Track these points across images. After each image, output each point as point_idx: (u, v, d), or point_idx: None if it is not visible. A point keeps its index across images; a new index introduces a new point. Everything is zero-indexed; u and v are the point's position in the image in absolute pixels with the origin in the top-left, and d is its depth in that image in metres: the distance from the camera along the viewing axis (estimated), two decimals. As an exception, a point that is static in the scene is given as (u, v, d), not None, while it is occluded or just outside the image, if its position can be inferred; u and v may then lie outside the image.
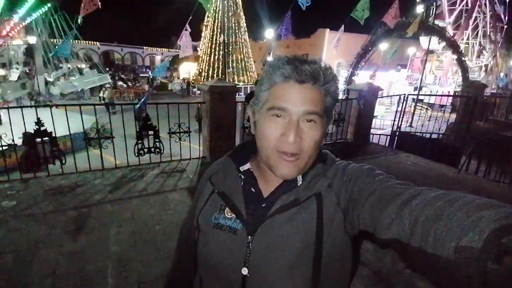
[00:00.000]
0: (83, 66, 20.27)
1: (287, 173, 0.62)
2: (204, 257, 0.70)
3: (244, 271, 0.63)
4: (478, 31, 27.76)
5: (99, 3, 4.39)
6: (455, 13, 27.06)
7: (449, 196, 0.45)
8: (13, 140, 3.67)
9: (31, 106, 4.33)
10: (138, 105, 4.27)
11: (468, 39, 27.71)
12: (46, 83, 16.03)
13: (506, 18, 28.95)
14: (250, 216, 0.66)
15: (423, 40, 18.95)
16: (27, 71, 17.67)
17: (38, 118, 3.67)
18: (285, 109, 0.60)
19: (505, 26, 28.82)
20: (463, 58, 16.83)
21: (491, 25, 27.71)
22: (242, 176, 0.72)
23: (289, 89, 0.60)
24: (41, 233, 2.68)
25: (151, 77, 28.28)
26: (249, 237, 0.64)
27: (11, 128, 3.62)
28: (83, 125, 4.05)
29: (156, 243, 2.65)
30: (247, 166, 0.73)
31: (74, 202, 3.25)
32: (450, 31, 24.22)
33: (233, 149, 0.78)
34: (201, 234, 0.71)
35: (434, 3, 20.98)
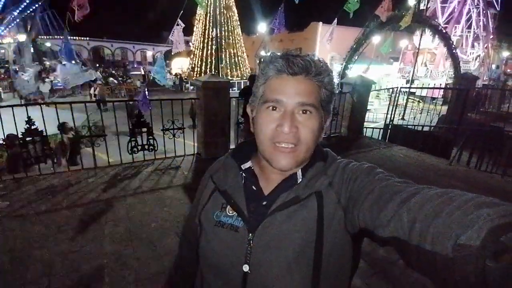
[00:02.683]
0: (73, 62, 19.89)
1: (285, 164, 0.63)
2: (206, 254, 0.71)
3: (245, 268, 0.64)
4: (470, 23, 27.94)
5: (88, 7, 4.32)
6: (448, 10, 27.07)
7: (448, 194, 0.45)
8: (3, 140, 3.61)
9: (21, 105, 4.26)
10: (140, 97, 4.21)
11: (462, 31, 27.85)
12: (39, 79, 15.73)
13: (498, 8, 29.20)
14: (251, 214, 0.67)
15: (417, 38, 18.99)
16: (17, 69, 17.32)
17: (28, 117, 3.61)
18: (279, 101, 0.62)
19: (496, 17, 29.05)
20: (454, 51, 16.95)
21: (484, 15, 27.89)
22: (244, 174, 0.72)
23: (282, 81, 0.62)
24: (35, 233, 2.66)
25: (143, 73, 27.92)
26: (250, 234, 0.64)
27: (2, 128, 3.55)
28: (74, 123, 3.99)
29: (152, 241, 2.65)
30: (248, 164, 0.74)
31: (68, 201, 3.23)
32: (440, 20, 24.33)
33: (234, 147, 0.79)
34: (202, 232, 0.72)
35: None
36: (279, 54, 0.64)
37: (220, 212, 0.70)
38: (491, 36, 29.00)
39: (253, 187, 0.70)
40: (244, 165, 0.74)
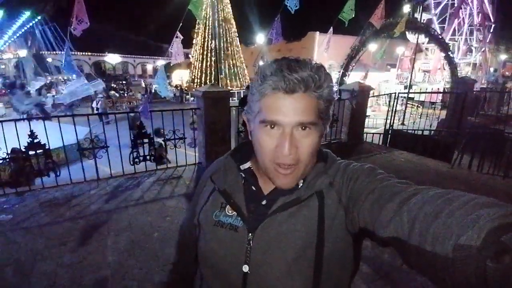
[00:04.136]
0: (74, 76, 20.16)
1: (285, 184, 0.63)
2: (205, 254, 0.70)
3: (245, 268, 0.63)
4: (465, 27, 28.25)
5: (88, 21, 4.42)
6: (441, 6, 27.47)
7: (448, 195, 0.45)
8: (7, 154, 3.65)
9: (23, 119, 4.31)
10: (141, 108, 4.29)
11: (457, 34, 28.14)
12: (39, 94, 15.91)
13: (494, 12, 29.52)
14: (251, 214, 0.66)
15: (411, 37, 19.26)
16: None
17: (31, 131, 3.66)
18: (276, 122, 0.59)
19: (493, 24, 29.33)
20: (451, 55, 17.12)
21: (479, 20, 28.20)
22: (243, 175, 0.72)
23: (279, 100, 0.58)
24: (38, 245, 2.66)
25: (144, 86, 28.22)
26: (250, 234, 0.64)
27: (5, 142, 3.59)
28: (76, 136, 4.03)
29: (155, 251, 2.64)
30: (247, 165, 0.74)
31: (70, 213, 3.23)
32: (436, 27, 24.64)
33: (234, 148, 0.79)
34: (202, 232, 0.72)
35: (421, 3, 21.40)
36: (274, 65, 0.59)
37: (219, 212, 0.70)
38: (488, 40, 29.23)
39: (253, 187, 0.70)
40: (243, 166, 0.74)
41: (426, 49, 26.16)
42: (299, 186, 0.66)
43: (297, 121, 0.58)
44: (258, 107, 0.62)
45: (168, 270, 2.34)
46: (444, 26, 27.62)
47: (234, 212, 0.68)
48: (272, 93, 0.59)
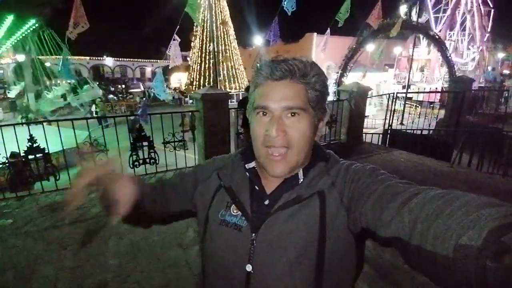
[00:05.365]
0: (72, 81, 20.17)
1: (279, 172, 0.64)
2: (210, 253, 0.72)
3: (248, 267, 0.64)
4: (464, 26, 28.31)
5: (87, 23, 4.43)
6: (442, 21, 27.54)
7: (449, 195, 0.45)
8: (6, 159, 3.64)
9: (22, 124, 4.31)
10: (140, 112, 4.29)
11: (457, 36, 28.23)
12: (37, 98, 15.91)
13: (492, 12, 29.63)
14: (254, 214, 0.67)
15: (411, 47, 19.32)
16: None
17: (30, 135, 3.65)
18: (266, 107, 0.63)
19: (492, 9, 29.35)
20: (448, 55, 17.17)
21: (478, 17, 28.26)
22: (248, 174, 0.73)
23: (268, 88, 0.64)
24: (39, 249, 2.66)
25: (142, 90, 28.23)
26: (253, 234, 0.65)
27: (5, 146, 3.59)
28: (76, 140, 4.03)
29: (156, 254, 2.64)
30: (252, 164, 0.75)
31: (70, 217, 3.23)
32: (434, 28, 24.73)
33: (243, 147, 0.81)
34: (207, 231, 0.73)
35: (417, 2, 21.47)
36: (267, 60, 0.66)
37: (224, 211, 0.71)
38: (486, 37, 29.29)
39: (256, 186, 0.71)
40: (249, 165, 0.74)
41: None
42: (300, 182, 0.67)
43: (284, 106, 0.62)
44: (253, 97, 0.67)
45: (171, 277, 2.34)
46: (441, 24, 27.65)
47: (239, 212, 0.69)
48: (263, 83, 0.65)
